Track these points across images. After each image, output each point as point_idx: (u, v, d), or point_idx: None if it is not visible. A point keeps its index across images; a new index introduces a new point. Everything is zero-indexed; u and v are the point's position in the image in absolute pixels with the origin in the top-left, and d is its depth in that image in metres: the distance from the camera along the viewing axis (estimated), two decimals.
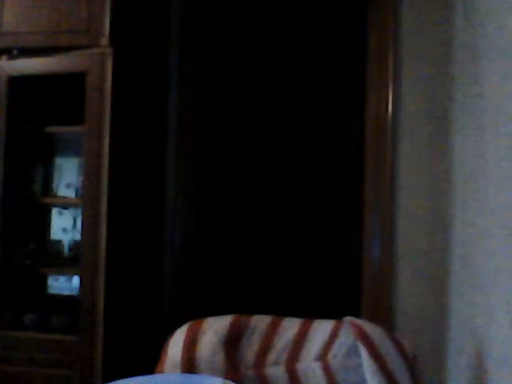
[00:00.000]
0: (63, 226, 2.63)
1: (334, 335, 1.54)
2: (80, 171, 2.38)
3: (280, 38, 3.69)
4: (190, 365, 1.48)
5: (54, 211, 2.65)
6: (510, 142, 1.45)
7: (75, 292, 2.39)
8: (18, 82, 2.34)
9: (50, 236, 2.63)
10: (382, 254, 2.28)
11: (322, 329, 1.56)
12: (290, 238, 3.80)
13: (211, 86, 3.31)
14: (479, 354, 1.68)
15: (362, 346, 1.48)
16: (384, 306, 2.26)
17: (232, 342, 1.53)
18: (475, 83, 1.84)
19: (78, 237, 2.46)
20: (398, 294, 2.25)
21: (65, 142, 2.55)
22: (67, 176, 2.57)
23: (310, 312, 1.71)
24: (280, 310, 1.70)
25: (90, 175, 2.23)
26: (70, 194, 2.55)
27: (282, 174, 3.84)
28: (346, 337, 1.52)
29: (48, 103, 2.48)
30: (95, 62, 2.24)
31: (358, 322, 1.56)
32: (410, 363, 1.48)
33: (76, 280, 2.43)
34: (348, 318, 1.58)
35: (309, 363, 1.52)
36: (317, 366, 1.50)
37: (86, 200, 2.25)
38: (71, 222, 2.60)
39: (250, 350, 1.54)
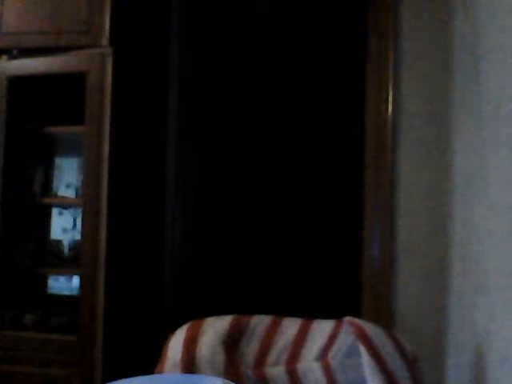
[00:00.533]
0: (63, 226, 2.64)
1: (334, 335, 1.54)
2: (80, 171, 2.39)
3: (280, 37, 3.69)
4: (189, 365, 1.48)
5: (54, 211, 2.65)
6: (510, 142, 1.45)
7: (75, 292, 2.39)
8: (18, 82, 2.35)
9: (50, 236, 2.63)
10: (382, 254, 2.28)
11: (322, 329, 1.56)
12: (289, 237, 3.79)
13: (211, 86, 3.31)
14: (479, 353, 1.68)
15: (362, 345, 1.48)
16: (384, 306, 2.26)
17: (232, 342, 1.53)
18: (475, 83, 1.84)
19: (78, 237, 2.46)
20: (398, 294, 2.25)
21: (65, 141, 2.55)
22: (67, 176, 2.57)
23: (310, 312, 1.71)
24: (280, 310, 1.70)
25: (90, 175, 2.24)
26: (70, 193, 2.55)
27: (281, 174, 3.84)
28: (346, 337, 1.52)
29: (48, 103, 2.48)
30: (95, 62, 2.24)
31: (358, 321, 1.56)
32: (410, 363, 1.48)
33: (76, 280, 2.43)
34: (348, 318, 1.58)
35: (309, 363, 1.52)
36: (317, 366, 1.50)
37: (86, 200, 2.25)
38: (71, 222, 2.60)
39: (250, 349, 1.54)
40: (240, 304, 1.98)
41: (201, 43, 3.12)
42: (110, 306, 2.21)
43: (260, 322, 1.58)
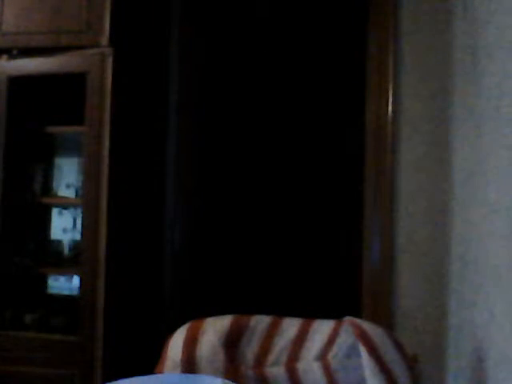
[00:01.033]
0: (63, 226, 2.63)
1: (334, 335, 1.54)
2: (80, 171, 2.39)
3: (280, 37, 3.68)
4: (189, 365, 1.48)
5: (54, 211, 2.65)
6: (510, 142, 1.45)
7: (75, 292, 2.39)
8: (18, 82, 2.35)
9: (50, 236, 2.63)
10: (382, 254, 2.28)
11: (322, 329, 1.56)
12: (289, 237, 3.79)
13: (211, 86, 3.31)
14: (479, 353, 1.68)
15: (362, 345, 1.48)
16: (384, 306, 2.26)
17: (232, 342, 1.53)
18: (475, 83, 1.84)
19: (78, 237, 2.46)
20: (397, 294, 2.25)
21: (65, 141, 2.55)
22: (67, 176, 2.57)
23: (310, 312, 1.71)
24: (280, 310, 1.70)
25: (90, 175, 2.24)
26: (70, 194, 2.55)
27: (281, 174, 3.84)
28: (346, 337, 1.52)
29: (48, 103, 2.48)
30: (95, 62, 2.24)
31: (358, 321, 1.56)
32: (410, 363, 1.48)
33: (76, 280, 2.43)
34: (348, 318, 1.58)
35: (309, 363, 1.52)
36: (317, 366, 1.50)
37: (86, 200, 2.25)
38: (71, 222, 2.60)
39: (250, 349, 1.54)
40: (240, 304, 1.98)
41: (201, 43, 3.12)
42: (110, 305, 2.21)
43: (260, 322, 1.58)
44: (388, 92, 2.30)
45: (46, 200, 2.50)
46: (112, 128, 2.23)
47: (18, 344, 2.26)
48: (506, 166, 1.47)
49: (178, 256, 2.79)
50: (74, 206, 2.55)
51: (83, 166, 2.28)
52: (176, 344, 1.53)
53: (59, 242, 2.58)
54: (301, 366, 1.52)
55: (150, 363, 1.54)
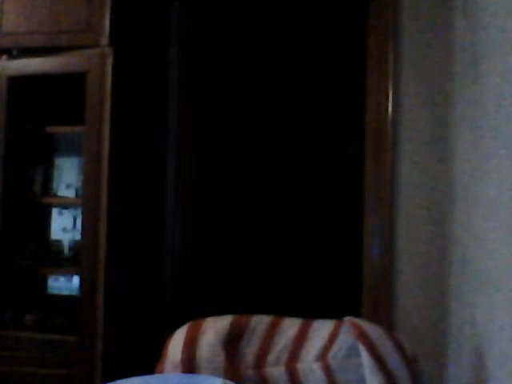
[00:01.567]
0: (63, 226, 2.63)
1: (334, 335, 1.54)
2: (80, 171, 2.38)
3: (280, 38, 3.68)
4: (190, 365, 1.48)
5: (54, 211, 2.65)
6: (510, 142, 1.45)
7: (75, 292, 2.39)
8: (18, 82, 2.34)
9: (50, 236, 2.63)
10: (382, 254, 2.28)
11: (322, 329, 1.57)
12: (290, 238, 3.79)
13: (211, 86, 3.31)
14: (479, 354, 1.68)
15: (362, 345, 1.48)
16: (384, 306, 2.26)
17: (232, 342, 1.53)
18: (475, 83, 1.84)
19: (78, 237, 2.46)
20: (398, 294, 2.25)
21: (65, 142, 2.55)
22: (67, 176, 2.56)
23: (311, 312, 1.71)
24: (280, 310, 1.70)
25: (90, 175, 2.24)
26: (70, 194, 2.55)
27: (282, 174, 3.84)
28: (346, 337, 1.52)
29: (48, 103, 2.48)
30: (95, 62, 2.24)
31: (358, 321, 1.56)
32: (410, 363, 1.48)
33: (76, 280, 2.43)
34: (348, 318, 1.58)
35: (309, 363, 1.52)
36: (317, 366, 1.51)
37: (86, 200, 2.25)
38: (71, 222, 2.60)
39: (250, 349, 1.54)
40: (240, 304, 1.98)
41: (201, 43, 3.12)
42: (110, 305, 2.21)
43: (260, 322, 1.58)
44: (388, 92, 2.30)
45: (46, 200, 2.49)
46: (112, 128, 2.22)
47: (18, 344, 2.26)
48: (506, 165, 1.47)
49: (178, 256, 2.79)
50: (74, 205, 2.55)
51: (83, 166, 2.28)
52: (176, 344, 1.53)
53: (59, 242, 2.58)
54: (301, 366, 1.52)
55: (150, 363, 1.54)
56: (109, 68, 2.23)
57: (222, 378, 1.38)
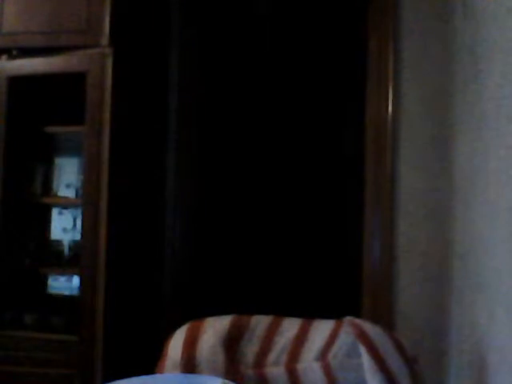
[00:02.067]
0: (63, 226, 2.63)
1: (334, 335, 1.54)
2: (80, 171, 2.38)
3: (280, 38, 3.68)
4: (189, 365, 1.48)
5: (54, 211, 2.65)
6: (510, 142, 1.45)
7: (75, 292, 2.39)
8: (18, 82, 2.35)
9: (50, 236, 2.63)
10: (382, 254, 2.28)
11: (322, 329, 1.57)
12: (290, 237, 3.79)
13: (211, 86, 3.31)
14: (479, 353, 1.68)
15: (361, 345, 1.48)
16: (384, 306, 2.26)
17: (232, 342, 1.53)
18: (475, 83, 1.84)
19: (78, 237, 2.46)
20: (398, 294, 2.24)
21: (65, 141, 2.55)
22: (67, 176, 2.56)
23: (310, 312, 1.71)
24: (280, 310, 1.70)
25: (90, 175, 2.24)
26: (70, 194, 2.55)
27: (282, 173, 3.84)
28: (346, 337, 1.52)
29: (48, 103, 2.48)
30: (95, 62, 2.24)
31: (358, 321, 1.56)
32: (410, 363, 1.48)
33: (76, 280, 2.43)
34: (348, 318, 1.58)
35: (309, 363, 1.52)
36: (317, 366, 1.50)
37: (86, 200, 2.25)
38: (71, 222, 2.60)
39: (250, 349, 1.54)
40: (240, 304, 1.98)
41: (201, 43, 3.12)
42: (110, 305, 2.21)
43: (260, 322, 1.58)
44: (388, 92, 2.30)
45: (46, 200, 2.49)
46: (112, 128, 2.22)
47: (18, 344, 2.26)
48: (506, 165, 1.47)
49: (177, 256, 2.79)
50: (74, 205, 2.55)
51: (83, 166, 2.28)
52: (176, 344, 1.53)
53: (59, 242, 2.58)
54: (301, 366, 1.52)
55: (150, 363, 1.54)
56: (109, 68, 2.23)
57: (221, 378, 1.38)
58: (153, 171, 2.68)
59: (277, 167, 3.84)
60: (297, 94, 3.82)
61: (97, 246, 2.20)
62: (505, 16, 1.53)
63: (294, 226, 3.82)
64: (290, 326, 1.58)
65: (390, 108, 2.29)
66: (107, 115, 2.22)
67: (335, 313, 1.67)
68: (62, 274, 2.58)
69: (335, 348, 1.52)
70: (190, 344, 1.51)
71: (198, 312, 1.73)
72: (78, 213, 2.45)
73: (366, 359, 1.46)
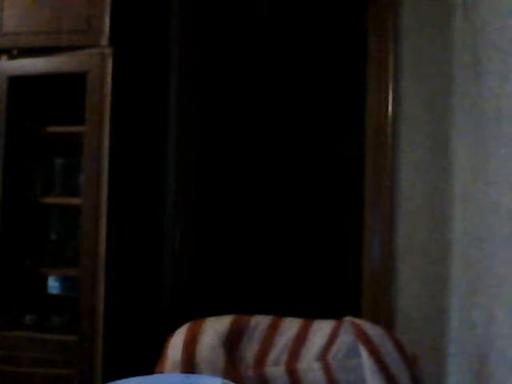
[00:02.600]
0: (63, 226, 2.63)
1: (334, 335, 1.54)
2: (80, 171, 2.38)
3: (280, 38, 3.69)
4: (189, 365, 1.48)
5: (54, 211, 2.65)
6: (510, 142, 1.45)
7: (75, 292, 2.39)
8: (18, 82, 2.34)
9: (50, 236, 2.63)
10: (382, 254, 2.28)
11: (322, 329, 1.56)
12: (290, 237, 3.79)
13: (211, 86, 3.31)
14: (479, 353, 1.68)
15: (361, 345, 1.48)
16: (384, 306, 2.26)
17: (232, 342, 1.53)
18: (475, 83, 1.84)
19: (77, 237, 2.45)
20: (397, 294, 2.25)
21: (65, 141, 2.55)
22: (67, 176, 2.56)
23: (310, 312, 1.71)
24: (280, 310, 1.70)
25: (90, 175, 2.23)
26: (69, 194, 2.54)
27: (282, 173, 3.84)
28: (346, 337, 1.52)
29: (48, 103, 2.47)
30: (95, 62, 2.24)
31: (358, 321, 1.56)
32: (410, 363, 1.48)
33: (76, 280, 2.43)
34: (348, 318, 1.58)
35: (309, 363, 1.52)
36: (317, 366, 1.50)
37: (86, 200, 2.25)
38: (71, 222, 2.60)
39: (250, 350, 1.54)
40: (240, 304, 1.98)
41: (201, 43, 3.12)
42: (110, 305, 2.21)
43: (260, 322, 1.58)
44: (388, 92, 2.30)
45: (46, 200, 2.49)
46: (112, 128, 2.22)
47: (17, 344, 2.26)
48: (507, 166, 1.47)
49: (178, 256, 2.79)
50: (74, 206, 2.54)
51: (83, 166, 2.28)
52: (176, 344, 1.53)
53: (59, 242, 2.58)
54: (301, 366, 1.52)
55: (150, 363, 1.54)
56: (109, 68, 2.23)
57: (221, 378, 1.38)
58: (153, 171, 2.68)
59: (277, 167, 3.84)
60: (297, 93, 3.82)
61: (97, 246, 2.20)
62: (505, 16, 1.53)
63: (294, 227, 3.82)
64: (290, 326, 1.58)
65: (390, 108, 2.29)
66: (107, 115, 2.22)
67: (335, 313, 1.67)
68: (62, 274, 2.58)
69: (335, 348, 1.51)
70: (190, 344, 1.51)
71: (198, 312, 1.73)
72: (78, 213, 2.45)
73: (365, 359, 1.46)
